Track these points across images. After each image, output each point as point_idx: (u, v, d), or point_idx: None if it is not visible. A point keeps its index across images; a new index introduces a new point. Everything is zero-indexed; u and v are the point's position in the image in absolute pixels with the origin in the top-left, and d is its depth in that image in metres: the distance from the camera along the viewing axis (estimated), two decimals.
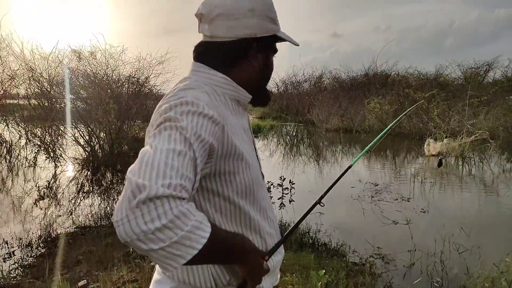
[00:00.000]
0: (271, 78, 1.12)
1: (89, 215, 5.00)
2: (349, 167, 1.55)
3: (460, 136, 9.96)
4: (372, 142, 1.76)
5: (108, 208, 5.38)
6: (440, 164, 3.79)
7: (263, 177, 1.09)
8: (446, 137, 10.04)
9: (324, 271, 3.03)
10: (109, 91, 8.85)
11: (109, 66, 9.12)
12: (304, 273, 3.09)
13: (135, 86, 9.32)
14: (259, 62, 1.01)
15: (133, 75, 9.24)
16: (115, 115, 8.29)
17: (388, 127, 1.89)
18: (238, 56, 0.98)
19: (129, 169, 0.70)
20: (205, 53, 0.99)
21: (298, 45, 1.07)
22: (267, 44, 1.01)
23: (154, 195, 0.65)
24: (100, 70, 9.13)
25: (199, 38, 1.03)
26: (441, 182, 7.03)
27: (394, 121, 2.01)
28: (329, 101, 17.84)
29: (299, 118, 20.81)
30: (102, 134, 8.69)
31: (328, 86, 23.94)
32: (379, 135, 1.80)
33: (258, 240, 0.98)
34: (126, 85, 9.22)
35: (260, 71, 1.03)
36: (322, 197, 1.32)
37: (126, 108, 8.75)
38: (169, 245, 0.67)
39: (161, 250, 0.67)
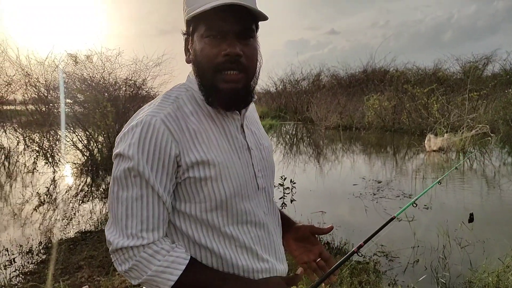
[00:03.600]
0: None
1: (90, 220, 4.96)
2: (392, 218, 1.51)
3: (460, 130, 9.92)
4: (419, 195, 1.82)
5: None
6: (471, 219, 3.60)
7: (259, 187, 0.95)
8: (446, 132, 10.00)
9: None
10: (106, 94, 8.80)
11: (105, 69, 9.08)
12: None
13: (132, 89, 9.27)
14: (192, 54, 0.89)
15: (130, 78, 9.20)
16: (113, 118, 8.24)
17: (437, 180, 1.98)
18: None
19: (107, 222, 0.86)
20: None
21: (230, 3, 0.79)
22: (190, 31, 0.89)
23: (117, 248, 0.82)
24: (96, 73, 9.10)
25: None
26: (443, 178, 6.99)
27: (445, 174, 2.08)
28: (327, 99, 17.81)
29: (298, 117, 20.76)
30: (100, 138, 8.65)
31: (327, 83, 23.91)
32: (427, 188, 1.89)
33: (235, 256, 0.89)
34: (123, 88, 9.18)
35: (194, 63, 0.89)
36: (360, 246, 1.27)
37: (123, 111, 8.70)
38: (144, 281, 0.82)
39: (144, 282, 0.82)
